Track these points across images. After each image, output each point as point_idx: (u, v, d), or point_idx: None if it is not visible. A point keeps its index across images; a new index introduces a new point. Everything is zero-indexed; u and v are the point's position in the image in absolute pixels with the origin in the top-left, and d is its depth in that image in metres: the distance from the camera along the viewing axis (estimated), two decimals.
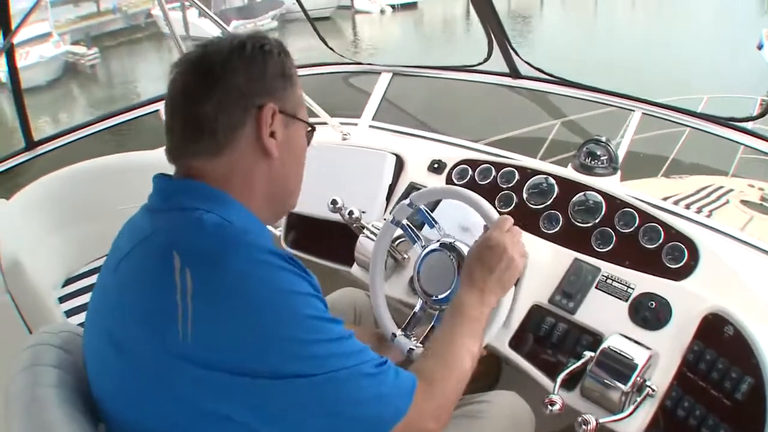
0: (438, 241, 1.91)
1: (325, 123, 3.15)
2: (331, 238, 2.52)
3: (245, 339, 1.16)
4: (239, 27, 29.87)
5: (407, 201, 1.92)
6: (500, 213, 2.16)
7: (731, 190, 6.40)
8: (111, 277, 1.34)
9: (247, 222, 1.35)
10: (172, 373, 1.18)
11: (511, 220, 1.76)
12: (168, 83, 1.40)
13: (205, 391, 1.17)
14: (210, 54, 1.39)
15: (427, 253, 1.91)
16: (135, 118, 3.41)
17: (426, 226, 2.02)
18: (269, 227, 2.91)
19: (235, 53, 1.38)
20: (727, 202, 6.20)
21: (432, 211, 2.02)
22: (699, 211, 5.72)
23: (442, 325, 1.59)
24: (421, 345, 1.89)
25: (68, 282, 2.54)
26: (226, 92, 1.35)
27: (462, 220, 2.08)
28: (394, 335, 1.93)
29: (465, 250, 1.87)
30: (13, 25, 2.80)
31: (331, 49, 3.97)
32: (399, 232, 2.19)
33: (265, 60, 1.40)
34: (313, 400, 1.20)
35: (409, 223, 1.97)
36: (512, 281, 1.73)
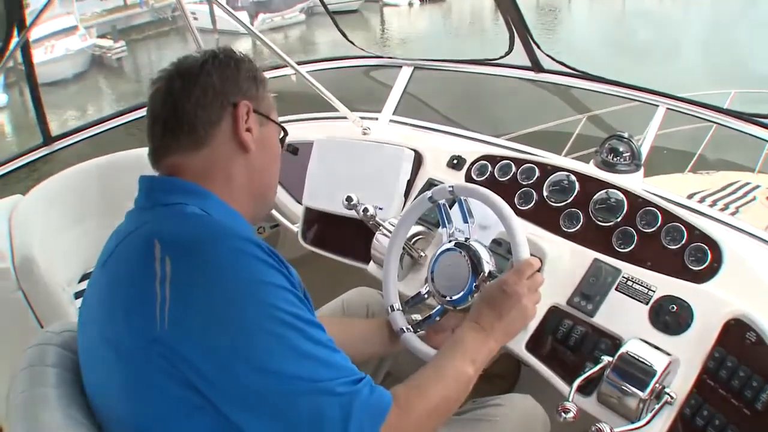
0: (456, 240, 1.88)
1: (345, 118, 3.13)
2: (350, 235, 2.50)
3: (215, 327, 1.18)
4: (267, 20, 29.99)
5: (449, 187, 1.89)
6: (520, 210, 2.14)
7: (758, 187, 6.33)
8: (99, 276, 1.37)
9: (226, 214, 1.40)
10: (153, 361, 1.19)
11: (535, 266, 1.72)
12: (149, 97, 1.48)
13: (179, 378, 1.18)
14: (185, 64, 1.47)
15: (441, 253, 1.89)
16: None
17: (440, 225, 2.00)
18: (288, 223, 2.91)
19: (209, 61, 1.46)
20: (754, 198, 6.13)
21: (450, 207, 1.99)
22: (725, 208, 5.66)
23: (436, 356, 1.56)
24: (412, 329, 1.89)
25: (85, 277, 2.53)
26: (203, 91, 1.42)
27: (481, 218, 2.05)
28: (392, 308, 1.93)
29: (480, 249, 1.84)
30: (28, 21, 2.80)
31: (351, 42, 3.95)
32: (416, 229, 2.18)
33: (237, 65, 1.48)
34: (275, 402, 1.19)
35: (445, 204, 1.95)
36: (519, 330, 1.71)
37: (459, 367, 1.49)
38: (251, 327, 1.18)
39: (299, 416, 1.19)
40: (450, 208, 1.97)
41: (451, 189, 1.89)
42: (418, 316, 1.98)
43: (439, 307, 1.88)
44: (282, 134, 1.59)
